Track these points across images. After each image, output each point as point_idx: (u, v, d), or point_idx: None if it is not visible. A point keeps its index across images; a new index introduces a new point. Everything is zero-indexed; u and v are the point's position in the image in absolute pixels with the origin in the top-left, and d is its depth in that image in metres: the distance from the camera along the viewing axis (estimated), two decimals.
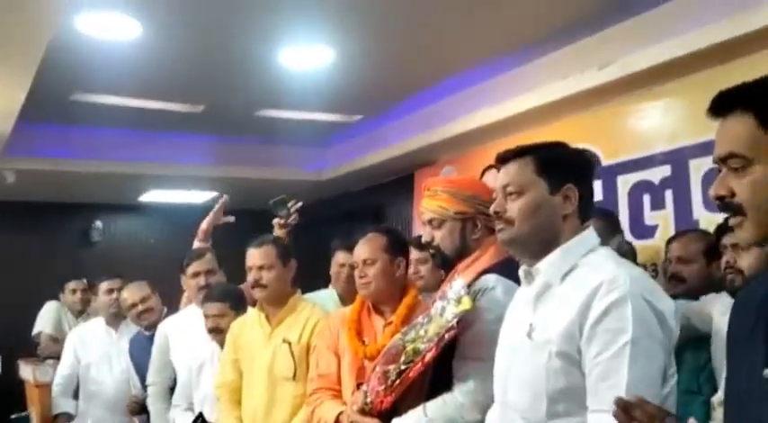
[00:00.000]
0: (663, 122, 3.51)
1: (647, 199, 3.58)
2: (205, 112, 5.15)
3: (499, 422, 1.56)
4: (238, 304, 3.03)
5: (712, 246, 2.54)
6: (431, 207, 2.04)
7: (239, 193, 6.76)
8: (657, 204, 3.51)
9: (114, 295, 3.90)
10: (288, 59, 4.12)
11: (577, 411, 1.41)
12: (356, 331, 2.33)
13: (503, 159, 1.62)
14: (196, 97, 4.92)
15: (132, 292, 3.72)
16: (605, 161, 3.84)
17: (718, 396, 1.25)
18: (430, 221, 2.03)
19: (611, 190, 3.76)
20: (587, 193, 1.58)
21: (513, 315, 1.63)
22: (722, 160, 1.04)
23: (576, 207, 1.54)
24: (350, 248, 3.21)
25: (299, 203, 3.38)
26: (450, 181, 2.09)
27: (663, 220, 3.44)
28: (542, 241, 1.54)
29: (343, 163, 6.12)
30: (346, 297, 3.39)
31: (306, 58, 4.12)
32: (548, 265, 1.53)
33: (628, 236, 3.47)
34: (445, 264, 2.05)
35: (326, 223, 7.50)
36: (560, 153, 1.61)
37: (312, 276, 3.46)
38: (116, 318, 3.94)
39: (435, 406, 1.87)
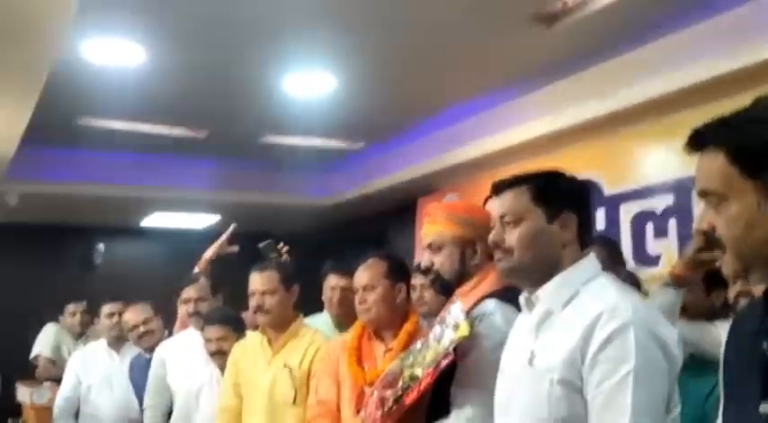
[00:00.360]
0: (665, 152, 3.51)
1: (649, 227, 3.57)
2: (209, 137, 5.18)
3: None
4: (238, 327, 3.03)
5: (712, 274, 2.52)
6: (430, 232, 2.02)
7: (241, 218, 6.77)
8: (660, 233, 3.50)
9: (115, 319, 3.89)
10: (291, 86, 4.15)
11: None
12: (356, 357, 2.31)
13: (498, 189, 1.61)
14: (200, 123, 4.95)
15: (134, 314, 3.73)
16: (608, 190, 3.84)
17: None
18: (429, 246, 2.01)
19: (613, 219, 3.76)
20: (586, 219, 1.57)
21: (514, 342, 1.61)
22: (700, 196, 1.05)
23: (574, 234, 1.53)
24: (341, 272, 3.23)
25: (287, 247, 3.34)
26: (450, 206, 2.09)
27: (666, 249, 3.43)
28: (542, 270, 1.53)
29: (346, 190, 6.13)
30: (340, 321, 3.37)
31: (309, 84, 4.15)
32: (548, 293, 1.51)
33: (630, 264, 3.46)
34: (445, 289, 2.02)
35: (329, 250, 7.50)
36: (556, 181, 1.59)
37: (314, 302, 3.45)
38: (118, 340, 3.93)
39: None
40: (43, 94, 3.69)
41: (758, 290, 2.06)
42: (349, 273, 3.31)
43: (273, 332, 2.77)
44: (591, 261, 1.55)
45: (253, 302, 2.74)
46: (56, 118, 4.55)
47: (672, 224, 3.45)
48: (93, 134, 4.97)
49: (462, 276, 1.97)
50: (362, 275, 2.35)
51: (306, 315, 3.55)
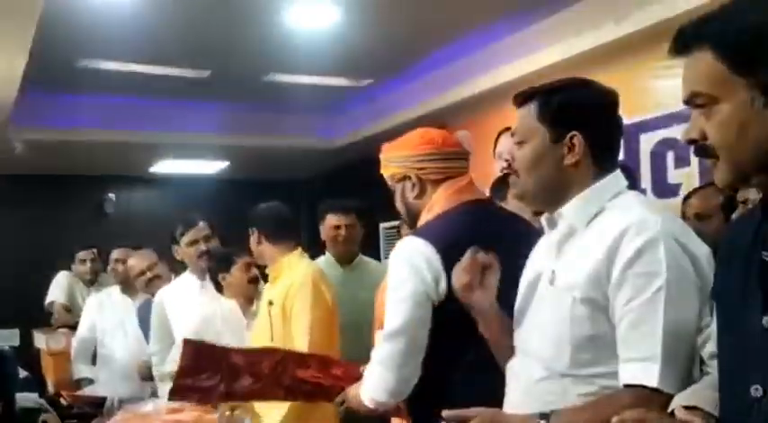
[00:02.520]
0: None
1: (670, 157, 3.46)
2: (212, 77, 5.06)
3: (519, 371, 1.48)
4: None
5: (731, 200, 2.44)
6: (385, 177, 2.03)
7: (247, 162, 6.74)
8: (681, 162, 3.40)
9: (121, 265, 3.94)
10: (293, 19, 4.01)
11: (603, 360, 1.32)
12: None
13: (516, 102, 1.53)
14: (201, 61, 4.82)
15: (139, 261, 3.73)
16: (627, 120, 3.69)
17: (708, 349, 1.18)
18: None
19: (633, 149, 3.65)
20: (602, 139, 1.45)
21: (535, 263, 1.55)
22: (688, 102, 0.98)
23: (583, 155, 1.42)
24: (339, 211, 3.30)
25: None
26: (384, 146, 2.00)
27: (687, 178, 3.33)
28: (550, 192, 1.46)
29: (355, 130, 6.01)
30: (345, 258, 3.39)
31: (312, 17, 4.01)
32: (572, 210, 1.43)
33: (649, 195, 3.38)
34: (412, 227, 2.00)
35: (343, 193, 7.43)
36: (566, 97, 1.45)
37: (322, 246, 3.42)
38: (130, 286, 3.92)
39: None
40: (41, 37, 3.59)
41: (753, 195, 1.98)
42: (346, 210, 3.30)
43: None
44: (617, 178, 1.45)
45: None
46: (56, 61, 4.45)
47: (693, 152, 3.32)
48: (95, 77, 4.86)
49: (410, 211, 1.96)
50: None
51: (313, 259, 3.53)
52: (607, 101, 1.48)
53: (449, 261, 1.66)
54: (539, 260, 1.53)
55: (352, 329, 2.72)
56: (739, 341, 0.97)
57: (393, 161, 1.95)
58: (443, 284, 1.70)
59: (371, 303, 2.25)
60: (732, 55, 0.90)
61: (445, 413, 1.47)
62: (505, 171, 1.57)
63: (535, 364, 1.42)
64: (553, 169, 1.44)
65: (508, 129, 1.64)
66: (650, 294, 1.27)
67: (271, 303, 2.61)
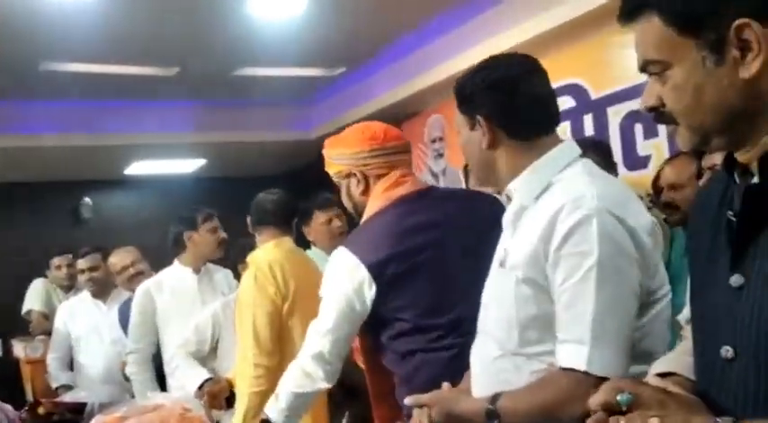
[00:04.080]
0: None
1: (639, 129, 3.45)
2: (180, 74, 5.00)
3: (478, 350, 1.49)
4: None
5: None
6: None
7: (224, 159, 6.69)
8: (650, 133, 3.38)
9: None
10: (259, 11, 3.97)
11: (550, 338, 1.32)
12: None
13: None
14: (169, 59, 4.77)
15: (122, 257, 3.76)
16: (594, 95, 3.70)
17: (685, 314, 1.15)
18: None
19: (602, 123, 3.63)
20: (507, 114, 1.43)
21: (500, 243, 1.54)
22: (643, 70, 0.97)
23: (493, 134, 1.43)
24: (326, 206, 3.33)
25: None
26: (327, 142, 2.01)
27: (656, 149, 3.31)
28: (488, 177, 1.51)
29: (328, 120, 5.97)
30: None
31: (277, 8, 3.96)
32: (520, 185, 1.42)
33: (621, 168, 3.36)
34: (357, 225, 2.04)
35: (318, 186, 7.39)
36: (467, 84, 1.47)
37: (305, 240, 3.40)
38: (104, 289, 3.88)
39: None
40: (1, 41, 3.52)
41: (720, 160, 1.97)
42: (331, 204, 3.28)
43: None
44: (567, 147, 1.44)
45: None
46: (19, 65, 4.40)
47: None
48: (61, 80, 4.79)
49: (357, 208, 1.97)
50: None
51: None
52: (508, 74, 1.45)
53: (375, 272, 1.75)
54: (501, 239, 1.53)
55: None
56: (709, 302, 0.96)
57: (336, 158, 1.95)
58: (369, 295, 1.77)
59: None
60: (677, 17, 0.89)
61: (407, 400, 1.51)
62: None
63: (491, 342, 1.43)
64: (479, 155, 1.48)
65: None
66: (582, 274, 1.26)
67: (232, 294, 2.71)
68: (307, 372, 1.84)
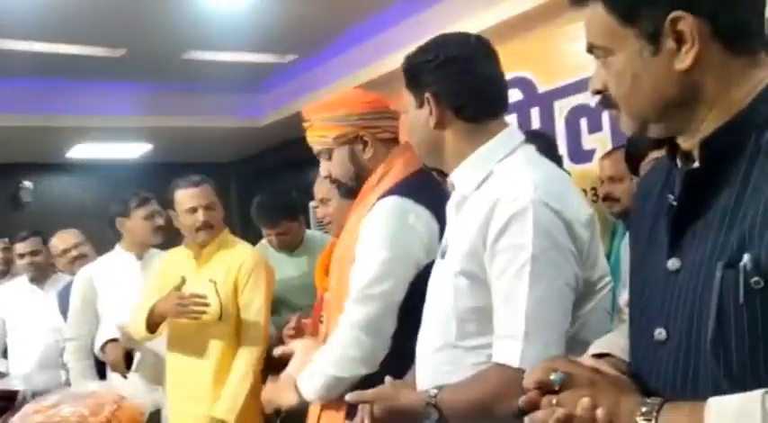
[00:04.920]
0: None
1: (584, 123, 3.51)
2: (127, 56, 4.89)
3: (421, 341, 1.47)
4: None
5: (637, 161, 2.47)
6: (312, 140, 1.85)
7: (171, 145, 6.57)
8: (595, 127, 3.45)
9: (27, 259, 3.77)
10: None
11: (488, 332, 1.31)
12: (324, 266, 2.16)
13: None
14: (115, 39, 4.65)
15: (64, 238, 3.66)
16: (541, 88, 3.75)
17: (624, 297, 1.17)
18: (319, 154, 1.86)
19: (548, 116, 3.68)
20: (457, 93, 1.40)
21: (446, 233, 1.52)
22: (590, 52, 0.99)
23: (440, 113, 1.39)
24: (265, 224, 3.29)
25: None
26: (321, 105, 1.88)
27: (601, 143, 3.37)
28: (434, 158, 1.47)
29: (280, 107, 5.92)
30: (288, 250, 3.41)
31: None
32: (461, 174, 1.40)
33: (566, 161, 3.42)
34: (350, 194, 1.88)
35: (270, 173, 7.33)
36: (417, 61, 1.44)
37: (254, 228, 3.37)
38: (42, 274, 3.79)
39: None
40: None
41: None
42: (272, 222, 3.25)
43: (198, 247, 2.69)
44: (508, 135, 1.41)
45: (200, 217, 2.61)
46: None
47: (606, 116, 3.38)
48: (3, 58, 4.62)
49: (361, 175, 1.82)
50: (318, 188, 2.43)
51: (257, 239, 3.51)
52: (461, 53, 1.42)
53: (441, 223, 1.57)
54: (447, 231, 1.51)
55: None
56: (645, 285, 0.98)
57: (340, 120, 1.79)
58: (434, 247, 1.58)
59: None
60: (617, 7, 0.91)
61: (348, 397, 1.48)
62: None
63: (433, 334, 1.42)
64: (424, 134, 1.44)
65: None
66: (517, 269, 1.25)
67: (213, 282, 2.63)
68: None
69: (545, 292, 1.25)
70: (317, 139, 1.84)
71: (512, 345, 1.24)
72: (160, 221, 3.16)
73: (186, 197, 2.64)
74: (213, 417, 2.56)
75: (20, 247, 3.81)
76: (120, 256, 3.22)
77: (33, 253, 3.77)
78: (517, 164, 1.36)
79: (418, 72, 1.43)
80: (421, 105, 1.42)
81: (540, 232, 1.24)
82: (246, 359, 2.62)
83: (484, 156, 1.38)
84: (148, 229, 3.14)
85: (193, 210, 2.62)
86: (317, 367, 1.70)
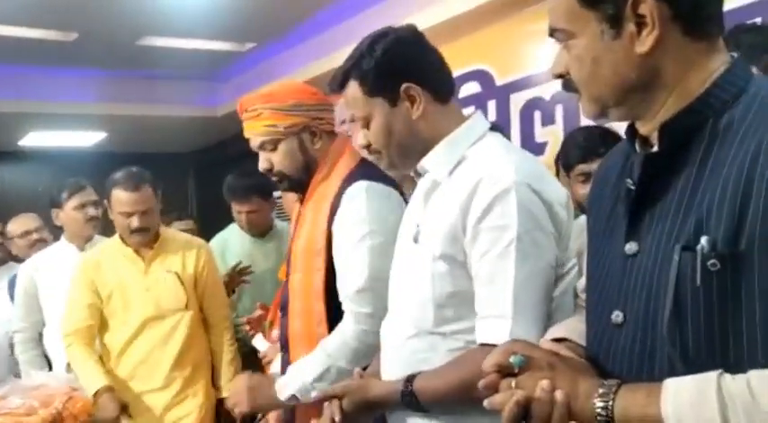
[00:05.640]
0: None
1: (537, 116, 3.56)
2: (79, 40, 4.75)
3: (390, 329, 1.45)
4: None
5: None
6: (257, 130, 1.81)
7: (127, 134, 6.44)
8: (548, 120, 3.50)
9: None
10: None
11: (466, 316, 1.31)
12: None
13: (334, 90, 1.46)
14: (66, 23, 4.51)
15: (24, 222, 3.59)
16: (499, 81, 3.79)
17: (581, 283, 1.19)
18: (262, 146, 1.83)
19: (504, 109, 3.72)
20: (433, 75, 1.40)
21: (406, 218, 1.50)
22: (551, 36, 0.99)
23: (427, 99, 1.38)
24: (237, 199, 3.28)
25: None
26: (268, 94, 1.84)
27: (553, 136, 3.43)
28: (417, 152, 1.40)
29: (237, 97, 5.76)
30: (255, 235, 3.39)
31: None
32: (433, 160, 1.38)
33: None
34: (295, 186, 1.88)
35: (228, 164, 7.24)
36: (379, 59, 1.37)
37: (214, 219, 3.33)
38: None
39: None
40: None
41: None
42: (244, 197, 3.22)
43: (138, 244, 2.66)
44: (477, 120, 1.42)
45: (135, 222, 2.56)
46: None
47: (559, 110, 3.44)
48: None
49: (309, 166, 1.83)
50: None
51: (211, 229, 3.47)
52: (414, 37, 1.42)
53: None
54: (409, 214, 1.49)
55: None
56: (603, 268, 0.98)
57: (289, 110, 1.79)
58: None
59: None
60: None
61: (313, 394, 1.49)
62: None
63: (404, 322, 1.40)
64: (406, 130, 1.38)
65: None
66: (501, 249, 1.24)
67: (174, 272, 2.62)
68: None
69: (530, 271, 1.25)
70: (263, 129, 1.80)
71: (499, 323, 1.23)
72: (92, 211, 3.07)
73: (122, 201, 2.56)
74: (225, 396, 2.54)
75: None
76: (62, 248, 3.15)
77: None
78: (491, 148, 1.36)
79: (388, 67, 1.37)
80: (395, 103, 1.38)
81: (524, 213, 1.24)
82: (226, 344, 2.69)
83: (456, 141, 1.38)
84: (80, 219, 3.07)
85: (128, 214, 2.57)
86: (329, 362, 1.67)
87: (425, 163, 1.39)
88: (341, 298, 1.71)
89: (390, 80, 1.37)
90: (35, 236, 3.54)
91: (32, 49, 4.82)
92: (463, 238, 1.28)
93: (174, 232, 2.85)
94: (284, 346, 1.87)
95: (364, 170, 1.76)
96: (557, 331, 1.11)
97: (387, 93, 1.38)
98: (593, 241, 1.05)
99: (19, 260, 3.61)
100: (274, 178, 1.87)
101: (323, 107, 1.84)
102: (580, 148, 2.10)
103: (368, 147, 1.46)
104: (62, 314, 2.72)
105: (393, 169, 1.50)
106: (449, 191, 1.34)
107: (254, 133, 1.83)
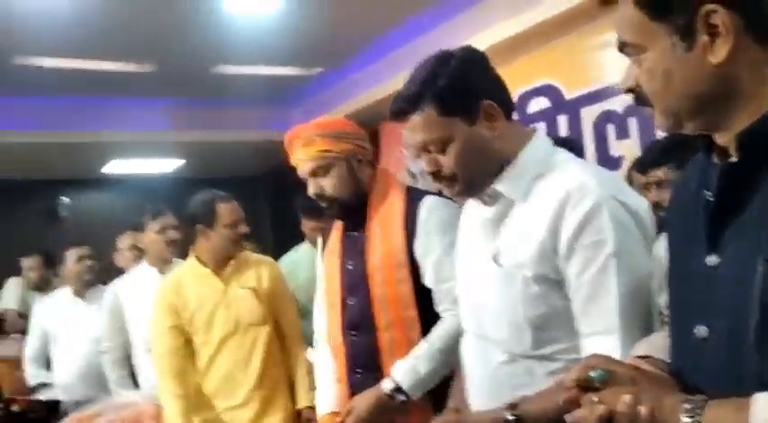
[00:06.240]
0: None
1: (611, 129, 3.50)
2: (157, 71, 4.98)
3: (477, 356, 1.43)
4: None
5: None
6: (311, 155, 1.91)
7: (202, 159, 6.66)
8: (622, 134, 3.43)
9: (88, 262, 3.83)
10: (234, 6, 3.96)
11: (564, 336, 1.29)
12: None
13: (398, 116, 1.41)
14: (145, 55, 4.74)
15: (133, 237, 3.67)
16: (568, 95, 3.75)
17: (664, 298, 1.16)
18: (314, 172, 1.91)
19: (575, 123, 3.68)
20: (500, 92, 1.39)
21: (467, 243, 1.50)
22: (621, 50, 0.98)
23: (503, 117, 1.36)
24: (309, 215, 3.36)
25: None
26: (321, 124, 1.97)
27: (628, 150, 3.36)
28: (494, 172, 1.37)
29: (306, 121, 5.92)
30: None
31: (253, 3, 3.96)
32: (507, 184, 1.35)
33: None
34: (344, 211, 1.96)
35: (299, 186, 7.36)
36: (451, 78, 1.35)
37: (285, 240, 3.41)
38: (85, 286, 3.85)
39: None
40: None
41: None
42: (319, 213, 3.28)
43: (213, 262, 2.73)
44: (542, 138, 1.41)
45: (243, 228, 2.68)
46: None
47: (633, 123, 3.37)
48: (35, 75, 4.74)
49: (358, 191, 1.94)
50: None
51: (285, 251, 3.55)
52: (480, 55, 1.42)
53: None
54: (471, 239, 1.48)
55: None
56: (685, 282, 0.97)
57: (344, 137, 1.92)
58: None
59: None
60: (649, 3, 0.90)
61: None
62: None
63: (494, 347, 1.37)
64: (486, 150, 1.35)
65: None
66: (600, 265, 1.23)
67: (251, 288, 2.70)
68: None
69: (631, 284, 1.23)
70: (316, 154, 1.90)
71: (608, 340, 1.22)
72: (173, 235, 3.18)
73: (230, 210, 2.69)
74: (303, 406, 2.66)
75: (77, 252, 3.87)
76: (145, 272, 3.27)
77: (91, 257, 3.84)
78: (567, 163, 1.35)
79: (465, 85, 1.35)
80: (473, 122, 1.35)
81: (617, 226, 1.23)
82: (301, 356, 2.74)
83: (527, 161, 1.36)
84: (161, 242, 3.18)
85: (236, 223, 2.67)
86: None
87: (499, 186, 1.36)
88: (437, 300, 1.80)
89: (468, 98, 1.35)
90: (137, 252, 3.67)
91: (113, 80, 5.07)
92: (555, 256, 1.27)
93: (246, 252, 2.91)
94: (356, 364, 1.93)
95: (418, 190, 1.92)
96: (639, 348, 1.09)
97: (465, 111, 1.35)
98: (674, 254, 1.03)
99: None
100: (324, 203, 1.96)
101: (365, 138, 2.00)
102: (656, 154, 2.09)
103: (436, 173, 1.40)
104: (147, 338, 2.82)
105: (466, 194, 1.44)
106: (529, 211, 1.32)
107: (308, 159, 1.92)
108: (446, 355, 1.75)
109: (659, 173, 2.03)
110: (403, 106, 1.40)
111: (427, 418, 1.71)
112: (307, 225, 3.38)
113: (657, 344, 1.06)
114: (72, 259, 3.88)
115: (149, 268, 3.27)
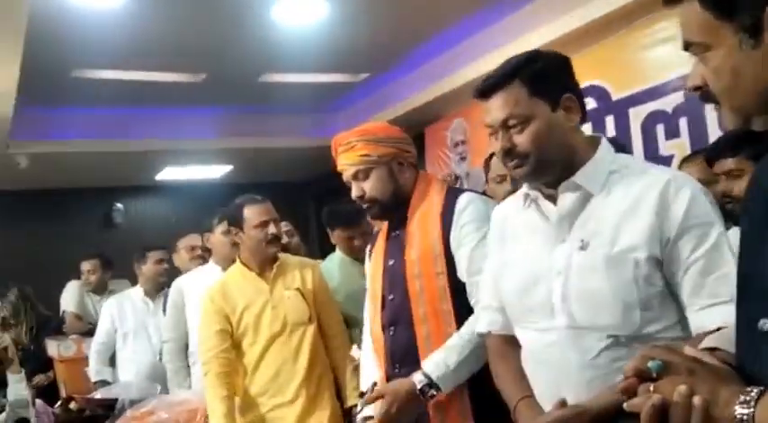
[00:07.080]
0: (670, 49, 3.36)
1: (660, 129, 3.46)
2: (207, 80, 5.10)
3: (568, 349, 1.41)
4: None
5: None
6: (352, 160, 1.99)
7: (250, 165, 6.79)
8: (672, 133, 3.39)
9: (165, 265, 4.02)
10: (281, 15, 4.03)
11: (666, 315, 1.38)
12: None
13: (486, 93, 1.46)
14: (196, 65, 4.87)
15: (191, 239, 3.87)
16: (615, 95, 3.72)
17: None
18: (355, 175, 1.99)
19: (623, 123, 3.64)
20: (581, 96, 1.50)
21: (527, 242, 1.51)
22: (686, 50, 0.98)
23: (579, 113, 1.47)
24: (342, 226, 3.32)
25: None
26: (362, 130, 2.04)
27: (679, 149, 3.32)
28: (563, 162, 1.44)
29: (352, 126, 5.97)
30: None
31: (299, 12, 4.03)
32: (585, 177, 1.43)
33: None
34: (384, 212, 2.03)
35: (343, 193, 7.44)
36: (545, 65, 1.45)
37: (332, 245, 3.44)
38: (157, 287, 4.01)
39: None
40: (31, 49, 3.64)
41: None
42: (357, 221, 3.32)
43: (257, 265, 2.77)
44: (606, 142, 1.51)
45: (271, 229, 2.69)
46: (50, 72, 4.51)
47: (683, 123, 3.32)
48: (90, 87, 4.92)
49: (398, 194, 2.00)
50: None
51: (324, 256, 3.60)
52: (566, 57, 1.51)
53: None
54: (528, 240, 1.51)
55: None
56: (751, 275, 0.96)
57: (386, 141, 1.98)
58: None
59: None
60: (714, 2, 0.91)
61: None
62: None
63: (591, 335, 1.39)
64: (562, 137, 1.44)
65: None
66: (713, 242, 1.34)
67: (296, 289, 2.75)
68: None
69: (733, 263, 1.29)
70: (358, 158, 1.97)
71: (730, 308, 1.19)
72: (236, 238, 3.28)
73: (256, 211, 2.71)
74: (352, 404, 2.63)
75: (158, 254, 4.06)
76: (209, 270, 3.38)
77: (168, 261, 4.05)
78: (636, 163, 1.49)
79: (553, 74, 1.46)
80: (555, 109, 1.44)
81: (716, 210, 1.38)
82: (347, 354, 2.76)
83: (602, 159, 1.46)
84: (227, 244, 3.27)
85: (264, 224, 2.70)
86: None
87: (578, 179, 1.43)
88: (470, 292, 1.83)
89: (556, 85, 1.45)
90: (198, 252, 3.83)
91: (166, 91, 5.22)
92: (662, 240, 1.36)
93: (288, 255, 2.96)
94: (395, 360, 1.96)
95: (458, 189, 2.00)
96: (708, 341, 1.08)
97: (550, 97, 1.44)
98: (744, 246, 1.02)
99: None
100: (366, 205, 2.01)
101: (408, 141, 2.05)
102: (726, 145, 2.09)
103: (509, 150, 1.45)
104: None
105: (531, 176, 1.47)
106: (615, 201, 1.40)
107: (349, 163, 2.00)
108: (477, 348, 1.75)
109: (730, 163, 2.03)
110: (496, 81, 1.45)
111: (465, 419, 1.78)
112: (342, 234, 3.39)
113: (727, 336, 1.06)
114: (152, 260, 4.06)
115: (214, 267, 3.37)
